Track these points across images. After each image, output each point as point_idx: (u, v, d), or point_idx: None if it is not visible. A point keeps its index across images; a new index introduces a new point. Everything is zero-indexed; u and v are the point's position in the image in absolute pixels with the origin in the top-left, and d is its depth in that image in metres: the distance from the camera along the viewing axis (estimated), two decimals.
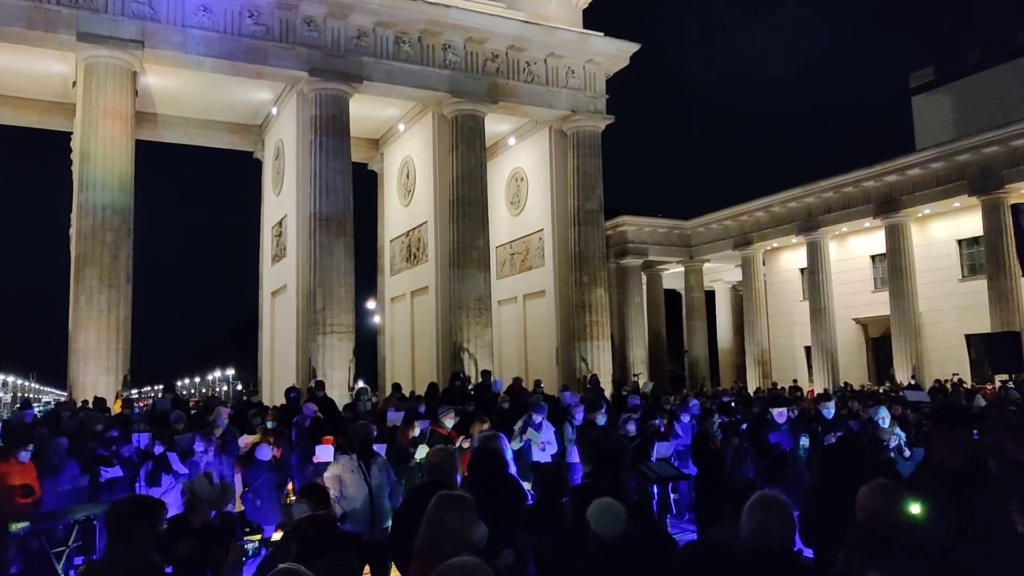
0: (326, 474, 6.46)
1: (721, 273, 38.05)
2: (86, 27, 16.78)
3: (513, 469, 6.81)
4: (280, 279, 21.78)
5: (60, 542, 7.63)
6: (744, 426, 10.95)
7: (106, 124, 17.05)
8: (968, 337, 24.70)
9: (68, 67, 18.49)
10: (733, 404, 15.23)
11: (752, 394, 19.76)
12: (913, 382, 23.22)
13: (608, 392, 18.53)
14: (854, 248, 30.38)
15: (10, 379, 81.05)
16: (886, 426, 8.72)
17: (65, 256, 18.53)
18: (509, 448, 6.82)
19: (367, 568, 6.28)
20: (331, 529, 4.30)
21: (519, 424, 10.33)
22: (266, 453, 9.14)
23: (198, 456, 8.83)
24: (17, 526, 7.01)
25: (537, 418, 10.22)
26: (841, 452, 5.24)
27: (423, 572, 3.00)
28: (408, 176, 23.89)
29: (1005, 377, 19.35)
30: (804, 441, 9.67)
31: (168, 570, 4.22)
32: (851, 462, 4.96)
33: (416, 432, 9.84)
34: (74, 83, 18.67)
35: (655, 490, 9.08)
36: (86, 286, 16.55)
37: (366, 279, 26.21)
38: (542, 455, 9.89)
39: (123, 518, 3.32)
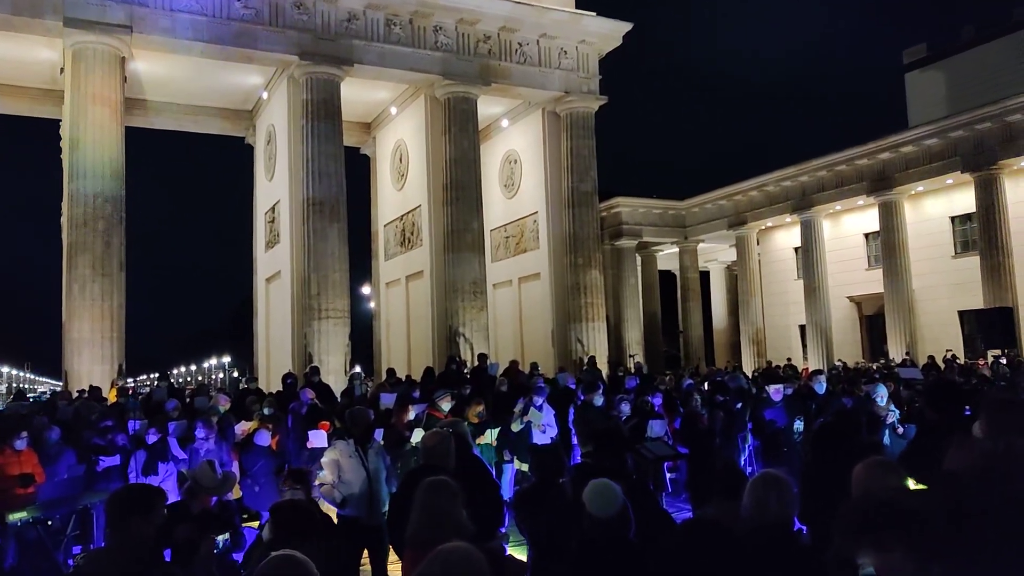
0: (324, 459, 6.48)
1: (716, 253, 38.08)
2: (73, 12, 16.59)
3: (476, 451, 6.89)
4: (274, 265, 21.72)
5: (58, 531, 7.65)
6: (738, 404, 11.00)
7: (95, 111, 16.91)
8: (961, 313, 24.79)
9: (55, 53, 18.29)
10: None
11: (723, 371, 19.77)
12: (908, 359, 23.33)
13: (604, 373, 18.58)
14: (848, 226, 30.42)
15: (5, 369, 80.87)
16: (883, 404, 8.77)
17: (58, 245, 18.44)
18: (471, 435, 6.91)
19: (365, 552, 6.31)
20: (313, 513, 4.31)
21: (519, 406, 10.39)
22: (264, 439, 9.15)
23: (199, 443, 8.85)
24: (14, 516, 7.00)
25: (538, 400, 10.28)
26: (835, 430, 5.26)
27: (416, 559, 3.01)
28: (401, 160, 23.78)
29: (997, 352, 19.46)
30: (798, 424, 9.71)
31: (167, 555, 4.25)
32: (845, 440, 4.98)
33: (411, 416, 9.88)
34: (62, 70, 18.47)
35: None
36: (79, 275, 16.47)
37: (360, 264, 26.17)
38: (542, 437, 9.97)
39: (118, 508, 3.32)
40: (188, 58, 18.96)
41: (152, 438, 8.95)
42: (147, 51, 18.33)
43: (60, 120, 20.27)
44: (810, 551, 3.33)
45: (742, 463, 10.08)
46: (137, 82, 20.55)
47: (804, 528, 4.01)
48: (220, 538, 5.00)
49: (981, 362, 19.79)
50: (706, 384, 14.88)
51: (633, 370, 18.99)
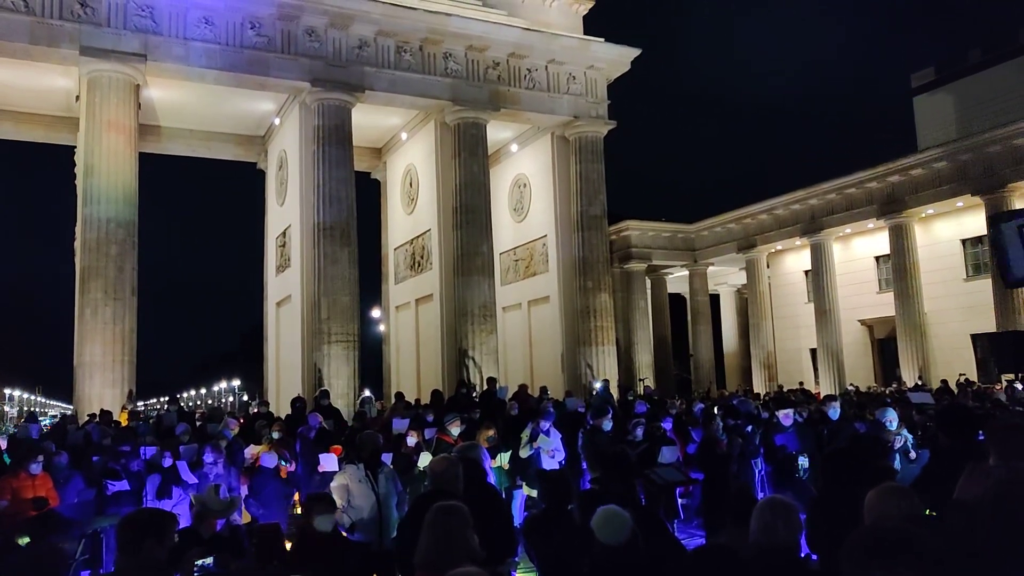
0: (333, 484, 6.48)
1: (725, 276, 38.01)
2: (89, 41, 16.87)
3: (492, 478, 6.83)
4: (285, 289, 21.82)
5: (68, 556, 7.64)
6: (749, 428, 10.92)
7: (109, 137, 17.13)
8: (974, 337, 24.60)
9: (71, 81, 18.57)
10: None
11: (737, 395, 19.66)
12: (920, 383, 23.12)
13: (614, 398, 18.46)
14: (858, 249, 30.34)
15: (16, 393, 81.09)
16: (893, 428, 8.68)
17: (71, 270, 18.59)
18: (488, 458, 6.84)
19: None
20: (278, 539, 4.31)
21: (527, 432, 10.34)
22: (272, 461, 9.15)
23: (208, 467, 8.85)
24: (22, 541, 7.03)
25: (545, 425, 10.24)
26: (847, 456, 5.22)
27: None
28: (411, 184, 23.94)
29: (1011, 376, 19.26)
30: (803, 461, 9.58)
31: None
32: (857, 466, 4.94)
33: (411, 441, 9.84)
34: (77, 97, 18.75)
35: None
36: (91, 299, 16.59)
37: (370, 288, 26.25)
38: (551, 462, 9.92)
39: (132, 531, 3.34)
40: (201, 85, 19.21)
41: (167, 462, 8.97)
42: (161, 78, 18.59)
43: (75, 146, 20.53)
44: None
45: (755, 488, 9.98)
46: (151, 109, 20.82)
47: (814, 555, 3.97)
48: (203, 561, 5.00)
49: (997, 387, 19.59)
50: (716, 408, 14.79)
51: (643, 394, 18.87)
